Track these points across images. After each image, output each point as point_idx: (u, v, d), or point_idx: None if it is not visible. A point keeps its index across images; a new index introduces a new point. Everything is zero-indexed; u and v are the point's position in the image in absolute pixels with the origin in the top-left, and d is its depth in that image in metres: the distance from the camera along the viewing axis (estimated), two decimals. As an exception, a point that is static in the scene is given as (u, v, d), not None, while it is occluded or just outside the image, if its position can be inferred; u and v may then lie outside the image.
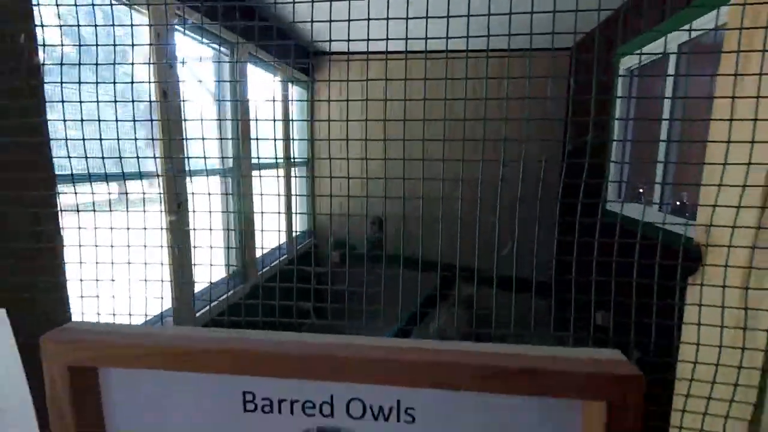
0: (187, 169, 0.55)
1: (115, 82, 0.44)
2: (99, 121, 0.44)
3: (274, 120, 0.51)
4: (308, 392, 0.29)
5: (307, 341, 0.28)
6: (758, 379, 0.34)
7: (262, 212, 0.56)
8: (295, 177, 2.87)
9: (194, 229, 0.60)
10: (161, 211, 1.14)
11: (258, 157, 0.59)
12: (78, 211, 0.46)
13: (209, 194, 0.52)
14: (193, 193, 0.54)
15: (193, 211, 0.59)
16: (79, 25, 0.44)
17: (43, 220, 0.44)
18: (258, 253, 2.03)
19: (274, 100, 0.54)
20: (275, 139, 0.64)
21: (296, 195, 2.82)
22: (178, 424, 0.31)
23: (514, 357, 0.26)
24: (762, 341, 0.34)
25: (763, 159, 0.33)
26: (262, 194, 0.57)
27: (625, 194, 1.67)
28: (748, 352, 0.34)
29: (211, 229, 0.52)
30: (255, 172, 2.18)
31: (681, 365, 0.39)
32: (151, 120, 0.55)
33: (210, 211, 0.51)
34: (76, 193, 0.45)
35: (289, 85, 2.64)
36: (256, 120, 0.51)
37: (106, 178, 0.46)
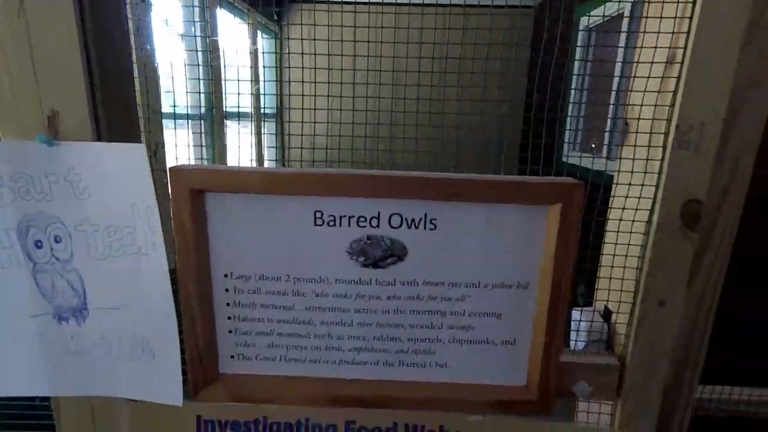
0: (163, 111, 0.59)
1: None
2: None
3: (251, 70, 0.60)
4: (361, 209, 0.41)
5: (363, 171, 0.41)
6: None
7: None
8: (264, 133, 2.87)
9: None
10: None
11: (237, 107, 0.67)
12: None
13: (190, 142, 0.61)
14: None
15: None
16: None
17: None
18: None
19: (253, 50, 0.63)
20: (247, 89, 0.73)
21: (267, 147, 2.85)
22: (263, 238, 0.42)
23: (507, 178, 0.40)
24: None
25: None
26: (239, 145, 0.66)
27: (579, 146, 1.88)
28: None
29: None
30: (228, 122, 2.19)
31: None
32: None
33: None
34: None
35: (258, 32, 2.60)
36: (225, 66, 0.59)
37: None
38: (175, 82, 0.49)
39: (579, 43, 2.04)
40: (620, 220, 0.45)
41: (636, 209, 0.43)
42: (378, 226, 0.42)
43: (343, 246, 0.42)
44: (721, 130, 0.38)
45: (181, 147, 0.68)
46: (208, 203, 0.41)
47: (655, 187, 0.41)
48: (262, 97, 2.76)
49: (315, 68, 0.55)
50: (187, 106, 1.83)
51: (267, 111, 3.01)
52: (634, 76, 0.43)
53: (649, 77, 0.40)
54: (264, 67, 2.48)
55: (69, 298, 0.45)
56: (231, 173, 0.40)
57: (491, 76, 0.69)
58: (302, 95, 0.54)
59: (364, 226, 0.42)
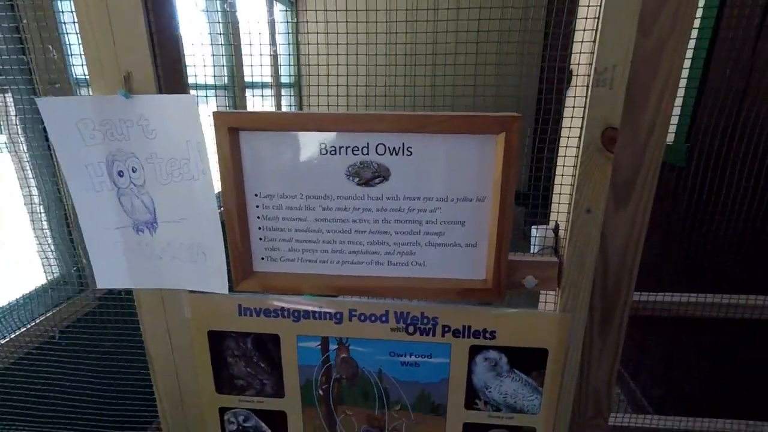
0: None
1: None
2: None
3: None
4: (354, 140, 0.55)
5: (354, 112, 0.54)
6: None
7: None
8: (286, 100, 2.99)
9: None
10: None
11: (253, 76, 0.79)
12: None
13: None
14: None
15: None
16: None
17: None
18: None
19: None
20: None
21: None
22: (282, 165, 0.57)
23: (462, 114, 0.52)
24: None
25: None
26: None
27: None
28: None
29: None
30: (249, 92, 2.33)
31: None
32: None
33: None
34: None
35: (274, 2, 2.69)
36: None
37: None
38: (198, 55, 0.63)
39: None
40: (564, 147, 0.57)
41: (569, 137, 0.55)
42: (368, 153, 0.55)
43: (342, 170, 0.56)
44: (628, 71, 0.49)
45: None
46: (241, 139, 0.56)
47: (582, 118, 0.53)
48: (280, 66, 2.87)
49: (328, 35, 0.67)
50: (214, 76, 1.98)
51: (284, 81, 3.12)
52: (574, 32, 0.54)
53: (584, 35, 0.51)
54: (280, 35, 2.58)
55: (143, 214, 0.61)
56: (257, 115, 0.54)
57: (509, 35, 0.76)
58: (318, 63, 0.67)
59: (357, 154, 0.56)
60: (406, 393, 0.68)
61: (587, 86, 0.52)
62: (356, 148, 0.55)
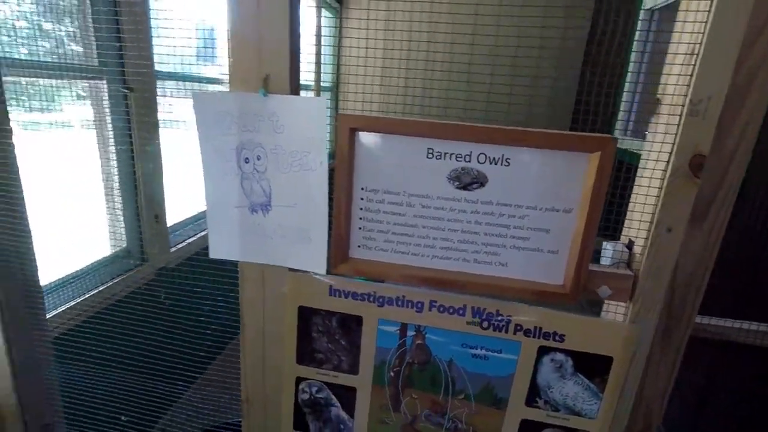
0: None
1: None
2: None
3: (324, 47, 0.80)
4: (459, 149, 0.62)
5: (463, 123, 0.61)
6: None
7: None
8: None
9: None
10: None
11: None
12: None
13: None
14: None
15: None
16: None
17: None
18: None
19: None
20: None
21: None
22: (390, 165, 0.64)
23: (561, 132, 0.58)
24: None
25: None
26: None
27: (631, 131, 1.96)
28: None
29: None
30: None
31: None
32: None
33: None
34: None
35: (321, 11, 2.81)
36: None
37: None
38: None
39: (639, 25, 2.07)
40: (644, 168, 0.62)
41: (656, 161, 0.60)
42: (470, 161, 0.62)
43: (444, 173, 0.63)
44: (723, 103, 0.54)
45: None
46: (357, 138, 0.63)
47: (672, 144, 0.58)
48: (322, 72, 2.98)
49: (368, 41, 0.75)
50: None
51: (323, 84, 3.24)
52: (666, 64, 0.59)
53: (674, 67, 0.57)
54: (323, 37, 2.68)
55: (260, 198, 0.69)
56: (376, 119, 0.62)
57: (547, 51, 0.84)
58: (360, 64, 0.74)
59: (460, 161, 0.62)
60: (472, 384, 0.73)
61: (680, 115, 0.57)
62: (459, 155, 0.62)
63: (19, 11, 1.08)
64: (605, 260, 0.69)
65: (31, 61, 1.11)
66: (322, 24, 3.10)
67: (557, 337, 0.68)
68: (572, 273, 0.64)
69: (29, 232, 0.86)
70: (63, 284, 1.32)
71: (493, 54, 0.78)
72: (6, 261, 0.85)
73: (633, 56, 1.93)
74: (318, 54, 2.73)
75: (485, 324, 0.70)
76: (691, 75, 0.55)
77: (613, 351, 0.67)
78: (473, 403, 0.74)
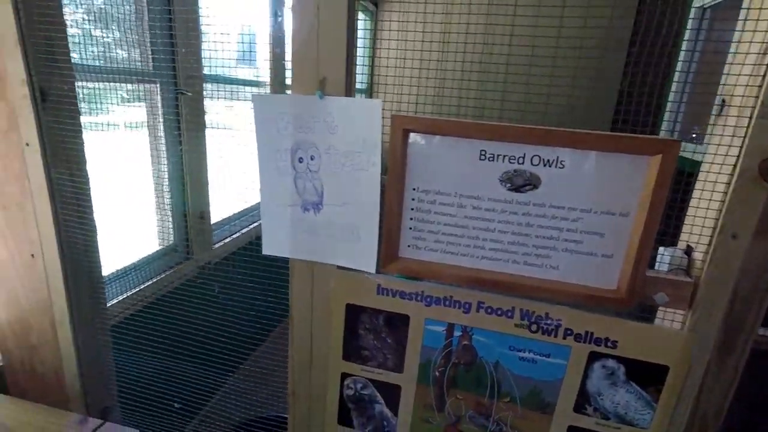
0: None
1: None
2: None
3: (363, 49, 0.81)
4: (512, 150, 0.61)
5: (519, 125, 0.60)
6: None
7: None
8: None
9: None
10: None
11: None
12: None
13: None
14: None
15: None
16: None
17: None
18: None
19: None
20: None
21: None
22: (442, 166, 0.64)
23: (622, 135, 0.57)
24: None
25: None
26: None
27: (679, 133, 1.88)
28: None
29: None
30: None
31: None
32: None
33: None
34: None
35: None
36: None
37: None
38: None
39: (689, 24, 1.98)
40: (708, 171, 0.60)
41: (722, 164, 0.58)
42: (523, 163, 0.62)
43: (497, 175, 0.63)
44: (798, 107, 0.52)
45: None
46: (410, 139, 0.64)
47: (740, 147, 0.56)
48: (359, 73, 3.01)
49: (406, 42, 0.75)
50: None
51: (358, 86, 3.26)
52: (732, 63, 0.57)
53: (743, 68, 0.55)
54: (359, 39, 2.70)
55: (312, 196, 0.71)
56: (430, 120, 0.63)
57: (587, 50, 0.83)
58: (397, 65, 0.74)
59: (513, 163, 0.62)
60: (518, 387, 0.73)
61: (750, 117, 0.55)
62: (513, 157, 0.62)
63: (88, 19, 1.16)
64: (661, 266, 0.67)
65: (99, 67, 1.19)
66: (358, 27, 3.14)
67: (609, 343, 0.67)
68: (627, 278, 0.62)
69: (95, 225, 0.92)
70: (117, 277, 1.40)
71: (532, 54, 0.77)
72: (74, 253, 0.91)
73: (682, 55, 1.85)
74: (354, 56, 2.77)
75: (534, 327, 0.69)
76: (764, 76, 0.53)
77: (670, 360, 0.65)
78: (519, 407, 0.74)
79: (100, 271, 0.98)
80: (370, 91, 3.31)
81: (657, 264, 0.69)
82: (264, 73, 1.86)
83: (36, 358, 0.98)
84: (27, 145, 0.82)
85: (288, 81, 0.68)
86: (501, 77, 0.81)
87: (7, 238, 0.89)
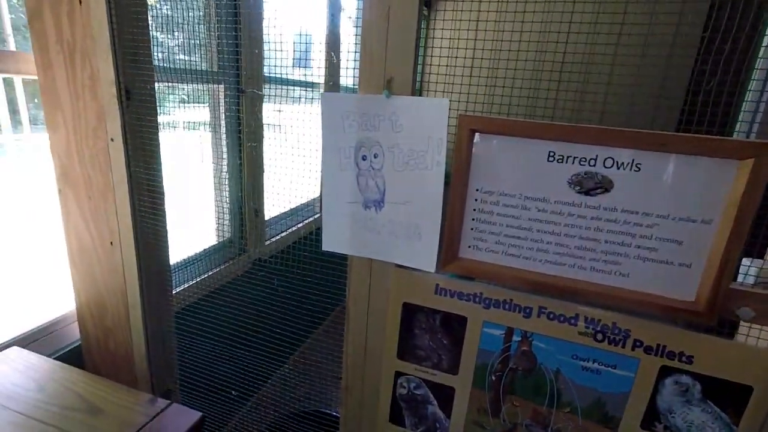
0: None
1: None
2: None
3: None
4: (583, 152, 0.59)
5: (590, 125, 0.58)
6: None
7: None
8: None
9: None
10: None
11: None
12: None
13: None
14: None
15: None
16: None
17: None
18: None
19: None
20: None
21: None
22: (508, 167, 0.63)
23: (709, 137, 0.54)
24: None
25: None
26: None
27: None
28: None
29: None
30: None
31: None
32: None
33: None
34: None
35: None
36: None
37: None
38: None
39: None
40: (807, 180, 0.55)
41: (824, 170, 0.53)
42: (594, 165, 0.60)
43: (565, 177, 0.61)
44: None
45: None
46: (475, 139, 0.64)
47: None
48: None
49: (458, 41, 0.73)
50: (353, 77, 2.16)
51: None
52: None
53: None
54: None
55: (374, 194, 0.72)
56: (497, 120, 0.62)
57: (652, 48, 0.77)
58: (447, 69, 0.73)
59: (584, 165, 0.60)
60: (579, 397, 0.70)
61: None
62: (584, 159, 0.60)
63: (163, 24, 1.24)
64: (747, 278, 0.63)
65: (171, 68, 1.27)
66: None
67: (684, 358, 0.63)
68: (708, 290, 0.58)
69: (165, 216, 0.99)
70: (179, 267, 1.49)
71: (589, 52, 0.74)
72: (147, 242, 0.98)
73: (762, 51, 1.71)
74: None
75: (599, 336, 0.66)
76: None
77: (754, 380, 0.60)
78: (580, 418, 0.71)
79: (169, 261, 1.04)
80: (420, 91, 3.31)
81: (740, 276, 0.64)
82: (316, 76, 1.91)
83: (110, 338, 1.06)
84: (112, 140, 0.89)
85: (342, 82, 0.70)
86: (555, 75, 0.78)
87: (90, 226, 0.98)
